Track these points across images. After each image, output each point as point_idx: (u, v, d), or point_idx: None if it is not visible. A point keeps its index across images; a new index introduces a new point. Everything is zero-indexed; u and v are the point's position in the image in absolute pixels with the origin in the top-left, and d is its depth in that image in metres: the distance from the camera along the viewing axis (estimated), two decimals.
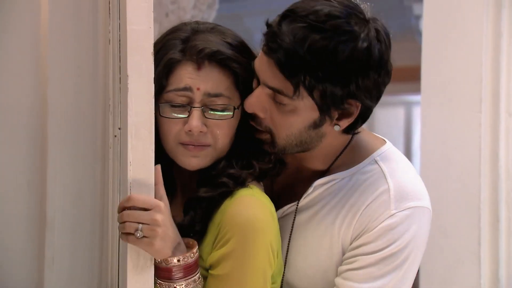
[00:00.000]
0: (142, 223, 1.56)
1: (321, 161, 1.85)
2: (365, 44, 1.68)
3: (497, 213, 2.64)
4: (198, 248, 1.69)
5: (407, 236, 1.75)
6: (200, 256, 1.69)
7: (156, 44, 1.76)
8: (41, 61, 1.77)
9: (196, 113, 1.71)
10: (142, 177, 1.59)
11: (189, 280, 1.63)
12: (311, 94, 1.69)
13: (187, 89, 1.71)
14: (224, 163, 1.75)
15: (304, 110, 1.71)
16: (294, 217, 1.83)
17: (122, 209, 1.58)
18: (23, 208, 1.78)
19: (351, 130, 1.80)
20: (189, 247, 1.66)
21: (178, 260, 1.62)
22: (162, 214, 1.58)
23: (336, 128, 1.75)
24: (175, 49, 1.73)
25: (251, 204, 1.70)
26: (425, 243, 1.81)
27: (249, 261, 1.65)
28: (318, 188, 1.83)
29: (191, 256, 1.64)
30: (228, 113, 1.73)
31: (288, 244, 1.83)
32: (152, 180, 1.60)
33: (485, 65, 2.67)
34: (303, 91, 1.69)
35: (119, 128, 1.65)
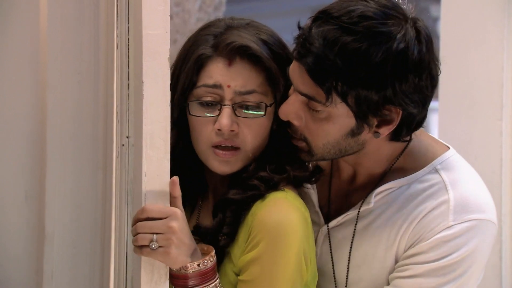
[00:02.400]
0: (157, 233, 1.57)
1: (378, 165, 1.82)
2: (401, 46, 1.65)
3: None
4: (229, 252, 1.70)
5: (465, 250, 1.73)
6: (231, 261, 1.70)
7: (188, 40, 1.78)
8: (40, 67, 1.78)
9: (226, 111, 1.71)
10: (157, 188, 1.59)
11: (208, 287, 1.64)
12: (345, 100, 1.67)
13: (217, 86, 1.72)
14: (256, 165, 1.75)
15: (340, 117, 1.70)
16: (355, 225, 1.81)
17: (136, 221, 1.59)
18: (20, 220, 1.79)
19: (397, 137, 1.76)
20: (204, 253, 1.66)
21: (198, 265, 1.62)
22: (178, 221, 1.59)
23: (376, 136, 1.73)
24: (206, 44, 1.74)
25: (283, 207, 1.70)
26: (486, 259, 1.78)
27: (278, 267, 1.65)
28: (376, 196, 1.81)
29: (210, 260, 1.64)
30: (260, 112, 1.73)
31: (350, 252, 1.82)
32: (167, 191, 1.60)
33: (506, 70, 2.66)
34: (336, 98, 1.67)
35: (127, 137, 1.66)
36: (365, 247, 1.80)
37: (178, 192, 1.62)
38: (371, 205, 1.80)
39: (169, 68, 1.60)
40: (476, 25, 2.71)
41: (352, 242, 1.82)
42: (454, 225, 1.73)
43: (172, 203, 1.61)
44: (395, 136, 1.76)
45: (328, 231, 1.84)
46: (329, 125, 1.72)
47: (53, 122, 1.76)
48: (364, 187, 1.84)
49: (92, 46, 1.76)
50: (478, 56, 2.70)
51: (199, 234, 1.72)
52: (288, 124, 1.76)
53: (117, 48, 1.69)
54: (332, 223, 1.84)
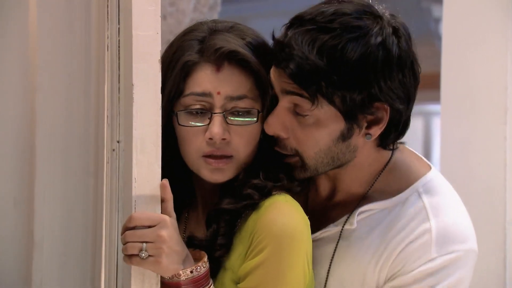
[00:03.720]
0: (146, 242, 1.56)
1: (358, 183, 1.82)
2: (379, 39, 1.67)
3: None
4: (226, 262, 1.70)
5: (449, 282, 1.73)
6: (230, 270, 1.70)
7: (171, 46, 1.77)
8: (29, 69, 1.78)
9: (217, 119, 1.70)
10: (147, 194, 1.59)
11: None
12: (331, 101, 1.68)
13: (206, 94, 1.71)
14: (247, 173, 1.74)
15: (328, 120, 1.70)
16: (337, 244, 1.81)
17: (125, 230, 1.58)
18: (8, 227, 1.78)
19: (385, 142, 1.77)
20: (196, 259, 1.66)
21: (191, 272, 1.62)
22: (168, 229, 1.58)
23: (368, 138, 1.73)
24: (191, 50, 1.73)
25: (286, 210, 1.70)
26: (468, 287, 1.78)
27: (284, 271, 1.65)
28: (358, 216, 1.80)
29: (203, 266, 1.64)
30: (251, 118, 1.72)
31: (328, 272, 1.82)
32: (158, 197, 1.60)
33: (511, 72, 2.66)
34: (322, 100, 1.68)
35: (118, 141, 1.65)
36: (343, 270, 1.80)
37: (169, 195, 1.61)
38: (354, 226, 1.80)
39: (160, 71, 1.59)
40: (479, 26, 2.72)
41: (331, 263, 1.82)
42: (437, 257, 1.74)
43: (163, 208, 1.61)
44: (383, 140, 1.77)
45: None
46: (318, 131, 1.72)
47: (42, 126, 1.76)
48: (343, 205, 1.84)
49: (83, 47, 1.75)
50: (481, 57, 2.71)
51: (193, 246, 1.71)
52: (275, 142, 1.75)
53: (107, 49, 1.68)
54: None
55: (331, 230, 1.82)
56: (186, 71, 1.72)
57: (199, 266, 1.63)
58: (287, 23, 1.74)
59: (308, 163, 1.75)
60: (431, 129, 6.79)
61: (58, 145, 1.76)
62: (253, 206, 1.71)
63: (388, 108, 1.71)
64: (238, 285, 1.69)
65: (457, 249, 1.75)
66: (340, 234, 1.81)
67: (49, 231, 1.76)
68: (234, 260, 1.70)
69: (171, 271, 1.60)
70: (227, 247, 1.72)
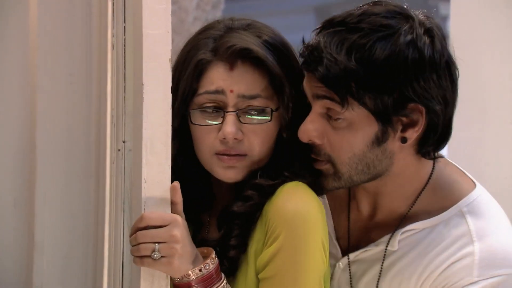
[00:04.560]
0: (159, 242, 1.56)
1: (400, 200, 1.80)
2: (408, 38, 1.65)
3: None
4: (249, 258, 1.70)
5: None
6: (253, 263, 1.69)
7: (186, 45, 1.77)
8: (30, 68, 1.78)
9: (230, 118, 1.70)
10: (157, 195, 1.58)
11: None
12: (362, 102, 1.66)
13: (219, 92, 1.70)
14: (253, 173, 1.74)
15: (361, 122, 1.69)
16: (382, 264, 1.80)
17: (135, 230, 1.57)
18: (9, 229, 1.78)
19: (425, 149, 1.74)
20: (205, 257, 1.65)
21: (200, 270, 1.61)
22: (180, 229, 1.58)
23: (403, 141, 1.70)
24: (205, 48, 1.72)
25: (298, 194, 1.69)
26: None
27: (301, 257, 1.64)
28: (400, 238, 1.79)
29: (211, 263, 1.63)
30: (265, 117, 1.72)
31: None
32: (168, 198, 1.59)
33: None
34: (352, 101, 1.67)
35: (124, 141, 1.65)
36: None
37: (179, 198, 1.61)
38: (395, 248, 1.78)
39: (171, 70, 1.58)
40: (487, 23, 2.71)
41: (378, 281, 1.80)
42: (478, 281, 1.71)
43: (173, 210, 1.60)
44: (421, 147, 1.74)
45: (349, 263, 1.83)
46: (351, 134, 1.70)
47: (43, 126, 1.76)
48: (384, 225, 1.82)
49: (84, 46, 1.75)
50: (489, 56, 2.70)
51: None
52: (311, 149, 1.74)
53: (112, 48, 1.67)
54: (351, 256, 1.83)
55: (372, 250, 1.81)
56: (200, 70, 1.72)
57: (207, 263, 1.62)
58: (317, 28, 1.73)
59: (341, 169, 1.73)
60: None
61: (59, 146, 1.76)
62: (258, 206, 1.71)
63: (424, 109, 1.68)
64: (258, 276, 1.68)
65: (501, 273, 1.72)
66: (385, 255, 1.80)
67: (50, 233, 1.76)
68: (254, 249, 1.70)
69: (182, 272, 1.60)
70: (241, 248, 1.71)
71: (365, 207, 1.85)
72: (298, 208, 1.67)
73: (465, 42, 2.77)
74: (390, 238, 1.79)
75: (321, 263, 1.67)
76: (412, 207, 1.80)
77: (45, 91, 1.76)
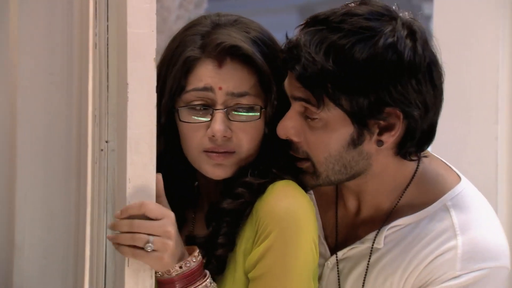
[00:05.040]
0: (153, 235, 1.56)
1: (383, 196, 1.81)
2: (389, 41, 1.65)
3: None
4: (237, 257, 1.70)
5: None
6: (241, 262, 1.70)
7: (173, 41, 1.77)
8: (10, 67, 1.77)
9: (219, 115, 1.70)
10: (142, 196, 1.58)
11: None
12: (338, 104, 1.67)
13: (208, 89, 1.70)
14: (242, 171, 1.74)
15: (336, 123, 1.69)
16: (369, 261, 1.81)
17: (128, 216, 1.57)
18: None
19: (402, 151, 1.74)
20: (190, 255, 1.66)
21: (180, 267, 1.62)
22: (174, 225, 1.59)
23: (379, 144, 1.70)
24: (193, 45, 1.73)
25: (289, 193, 1.70)
26: None
27: (291, 256, 1.65)
28: (386, 235, 1.80)
29: (193, 260, 1.63)
30: (254, 114, 1.72)
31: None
32: (153, 198, 1.59)
33: (502, 71, 2.67)
34: (328, 102, 1.67)
35: (107, 141, 1.64)
36: (371, 287, 1.80)
37: (161, 191, 1.61)
38: (381, 246, 1.79)
39: (155, 69, 1.58)
40: (470, 23, 2.72)
41: (364, 279, 1.81)
42: (461, 275, 1.72)
43: (159, 203, 1.60)
44: (400, 150, 1.74)
45: (337, 262, 1.84)
46: (327, 134, 1.70)
47: (23, 126, 1.75)
48: (371, 221, 1.83)
49: (66, 45, 1.75)
50: (472, 56, 2.71)
51: (192, 245, 1.71)
52: (289, 145, 1.74)
53: (95, 47, 1.67)
54: (339, 254, 1.83)
55: (358, 247, 1.82)
56: (188, 67, 1.72)
57: (188, 261, 1.63)
58: (301, 24, 1.73)
59: (319, 168, 1.74)
60: None
61: (40, 146, 1.76)
62: (248, 204, 1.71)
63: (401, 114, 1.68)
64: (248, 274, 1.69)
65: (483, 266, 1.73)
66: (371, 253, 1.80)
67: (30, 234, 1.75)
68: (244, 248, 1.71)
69: (167, 268, 1.61)
70: (229, 246, 1.72)
71: (351, 204, 1.86)
72: (289, 206, 1.67)
73: (448, 42, 2.78)
74: (376, 235, 1.80)
75: (311, 262, 1.68)
76: (397, 203, 1.80)
77: (25, 91, 1.76)
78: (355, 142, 1.71)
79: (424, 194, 1.80)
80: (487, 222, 1.80)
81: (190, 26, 1.78)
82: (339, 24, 1.66)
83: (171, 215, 1.59)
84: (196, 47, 1.72)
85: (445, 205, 1.78)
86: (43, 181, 1.77)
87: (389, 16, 1.70)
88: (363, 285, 1.81)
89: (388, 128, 1.70)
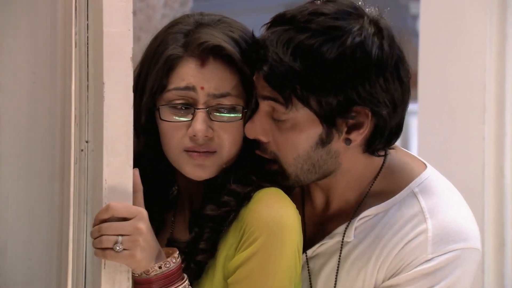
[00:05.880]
0: (122, 235, 1.56)
1: (352, 190, 1.82)
2: (357, 40, 1.66)
3: (502, 236, 2.65)
4: (217, 261, 1.70)
5: (446, 283, 1.73)
6: (220, 267, 1.70)
7: (155, 39, 1.77)
8: None
9: (200, 115, 1.70)
10: (119, 197, 1.58)
11: None
12: (307, 104, 1.67)
13: (190, 88, 1.70)
14: (225, 176, 1.74)
15: (305, 124, 1.70)
16: (340, 256, 1.81)
17: (99, 221, 1.58)
18: None
19: (371, 148, 1.76)
20: (169, 256, 1.66)
21: (159, 268, 1.62)
22: (145, 222, 1.58)
23: (348, 143, 1.72)
24: (176, 43, 1.72)
25: (276, 202, 1.70)
26: (469, 286, 1.78)
27: (275, 263, 1.65)
28: (355, 227, 1.81)
29: (173, 261, 1.63)
30: (236, 114, 1.72)
31: (335, 285, 1.82)
32: (130, 199, 1.59)
33: (489, 71, 2.68)
34: (297, 102, 1.68)
35: (87, 142, 1.64)
36: (344, 280, 1.81)
37: (139, 186, 1.61)
38: (351, 239, 1.80)
39: (132, 69, 1.58)
40: (457, 23, 2.73)
41: (337, 274, 1.81)
42: (433, 257, 1.74)
43: (134, 198, 1.60)
44: (369, 147, 1.75)
45: (307, 260, 1.84)
46: (295, 135, 1.71)
47: (5, 126, 1.74)
48: (339, 216, 1.84)
49: (48, 44, 1.74)
50: (459, 56, 2.72)
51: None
52: (257, 145, 1.75)
53: (75, 46, 1.66)
54: (309, 252, 1.84)
55: (328, 243, 1.82)
56: (170, 65, 1.72)
57: (167, 261, 1.63)
58: (267, 23, 1.74)
59: (288, 169, 1.75)
60: (408, 128, 6.81)
61: (22, 146, 1.75)
62: (232, 211, 1.72)
63: (370, 113, 1.69)
64: (228, 280, 1.68)
65: (454, 248, 1.74)
66: (342, 245, 1.81)
67: (12, 235, 1.74)
68: (225, 255, 1.71)
69: (144, 266, 1.60)
70: (210, 252, 1.72)
71: (319, 200, 1.86)
72: (277, 215, 1.67)
73: (435, 41, 2.79)
74: (346, 229, 1.80)
75: (294, 270, 1.68)
76: (366, 195, 1.81)
77: (7, 90, 1.74)
78: (324, 141, 1.72)
79: (391, 183, 1.82)
80: (455, 205, 1.82)
81: (173, 25, 1.78)
82: (306, 24, 1.67)
83: (142, 211, 1.59)
84: (179, 46, 1.72)
85: (412, 192, 1.80)
86: (26, 182, 1.76)
87: (356, 14, 1.70)
88: (335, 281, 1.81)
89: (356, 127, 1.71)
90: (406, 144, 6.86)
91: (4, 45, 1.74)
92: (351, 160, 1.77)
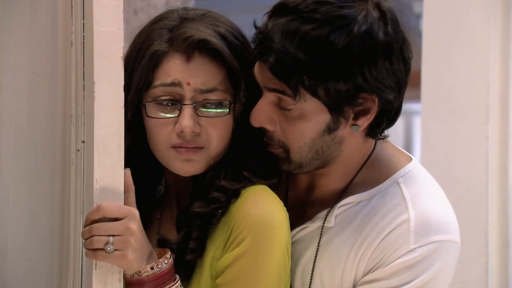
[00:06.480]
0: (113, 235, 1.56)
1: (338, 177, 1.82)
2: (363, 27, 1.65)
3: (506, 237, 2.65)
4: (204, 261, 1.69)
5: (428, 274, 1.73)
6: (208, 267, 1.69)
7: (140, 35, 1.76)
8: None
9: (187, 111, 1.69)
10: (110, 197, 1.57)
11: None
12: (314, 94, 1.67)
13: (176, 84, 1.69)
14: (214, 173, 1.74)
15: (313, 113, 1.70)
16: (319, 243, 1.81)
17: (90, 222, 1.57)
18: None
19: (375, 131, 1.77)
20: (161, 256, 1.66)
21: (151, 268, 1.61)
22: (137, 222, 1.58)
23: (355, 129, 1.73)
24: (161, 39, 1.72)
25: (265, 201, 1.70)
26: (449, 282, 1.78)
27: (264, 263, 1.65)
28: (337, 214, 1.80)
29: (165, 262, 1.63)
30: (223, 109, 1.71)
31: (312, 272, 1.81)
32: (121, 199, 1.59)
33: (493, 71, 2.68)
34: (304, 93, 1.67)
35: (83, 142, 1.64)
36: (323, 268, 1.80)
37: (130, 186, 1.61)
38: (331, 224, 1.80)
39: (123, 68, 1.58)
40: (461, 22, 2.73)
41: (314, 263, 1.81)
42: (415, 248, 1.73)
43: (126, 198, 1.60)
44: (373, 130, 1.76)
45: None
46: (303, 124, 1.71)
47: (5, 126, 1.74)
48: (322, 201, 1.83)
49: (49, 43, 1.74)
50: (463, 55, 2.72)
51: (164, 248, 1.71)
52: (263, 132, 1.75)
53: (72, 45, 1.67)
54: None
55: (309, 228, 1.82)
56: (155, 61, 1.71)
57: (160, 262, 1.62)
58: (269, 11, 1.73)
59: (293, 156, 1.75)
60: (412, 128, 6.81)
61: (22, 146, 1.75)
62: (220, 208, 1.71)
63: (376, 98, 1.70)
64: (216, 280, 1.68)
65: (436, 239, 1.74)
66: (321, 233, 1.80)
67: (13, 236, 1.74)
68: (212, 254, 1.70)
69: (135, 267, 1.60)
70: (199, 251, 1.71)
71: (303, 183, 1.86)
72: (265, 214, 1.67)
73: (438, 40, 2.78)
74: (327, 214, 1.80)
75: (283, 270, 1.68)
76: (350, 182, 1.82)
77: (7, 90, 1.75)
78: (331, 128, 1.72)
79: (376, 173, 1.82)
80: (437, 196, 1.82)
81: (157, 20, 1.77)
82: (310, 14, 1.66)
83: (133, 211, 1.58)
84: (164, 41, 1.72)
85: (396, 182, 1.80)
86: (26, 182, 1.76)
87: (360, 0, 1.69)
88: (313, 269, 1.81)
89: (363, 113, 1.72)
90: (409, 144, 6.85)
91: (4, 45, 1.74)
92: (352, 145, 1.77)
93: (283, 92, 1.69)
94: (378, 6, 1.70)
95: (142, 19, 4.27)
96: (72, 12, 1.66)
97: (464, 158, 2.69)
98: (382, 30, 1.68)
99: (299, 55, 1.65)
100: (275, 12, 1.71)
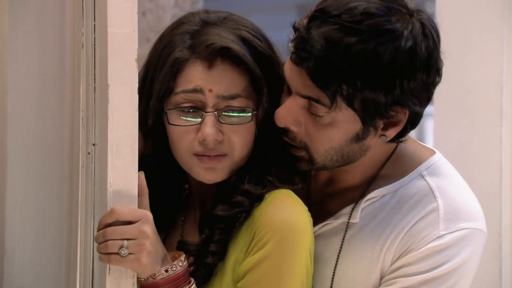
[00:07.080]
0: (127, 239, 1.56)
1: (361, 173, 1.84)
2: (409, 44, 1.66)
3: None
4: (226, 264, 1.70)
5: (457, 261, 1.74)
6: (230, 270, 1.70)
7: (160, 40, 1.76)
8: (1, 69, 1.77)
9: (209, 118, 1.69)
10: (124, 200, 1.58)
11: None
12: (351, 104, 1.68)
13: (198, 91, 1.69)
14: (238, 177, 1.74)
15: (344, 122, 1.71)
16: (343, 239, 1.81)
17: (103, 225, 1.57)
18: None
19: (398, 138, 1.79)
20: (175, 259, 1.66)
21: (166, 271, 1.62)
22: (151, 225, 1.58)
23: (383, 139, 1.75)
24: (182, 45, 1.71)
25: (290, 204, 1.70)
26: (475, 271, 1.79)
27: (287, 266, 1.65)
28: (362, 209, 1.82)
29: (179, 265, 1.63)
30: (246, 116, 1.71)
31: (335, 268, 1.81)
32: (135, 203, 1.59)
33: (506, 72, 2.67)
34: (341, 102, 1.68)
35: (94, 144, 1.64)
36: (347, 264, 1.80)
37: (144, 189, 1.61)
38: (357, 220, 1.80)
39: (137, 71, 1.58)
40: (474, 23, 2.72)
41: (337, 259, 1.81)
42: (445, 234, 1.75)
43: (140, 202, 1.60)
44: (397, 138, 1.78)
45: None
46: (332, 131, 1.72)
47: (14, 129, 1.75)
48: (343, 196, 1.85)
49: (57, 45, 1.74)
50: (476, 57, 2.71)
51: (184, 250, 1.71)
52: (285, 132, 1.74)
53: (82, 47, 1.67)
54: None
55: (332, 224, 1.82)
56: (177, 68, 1.71)
57: (174, 265, 1.63)
58: (310, 14, 1.72)
59: (317, 158, 1.75)
60: (424, 131, 6.80)
61: (31, 149, 1.75)
62: (243, 212, 1.71)
63: (407, 111, 1.72)
64: (238, 284, 1.68)
65: (465, 226, 1.76)
66: (346, 228, 1.81)
67: (21, 240, 1.75)
68: (235, 258, 1.70)
69: (150, 270, 1.60)
70: (220, 255, 1.72)
71: (323, 176, 1.88)
72: (289, 218, 1.67)
73: (450, 42, 2.77)
74: (352, 210, 1.81)
75: (306, 274, 1.68)
76: (374, 179, 1.83)
77: (16, 92, 1.75)
78: (359, 137, 1.74)
79: (400, 167, 1.84)
80: (463, 186, 1.84)
81: (178, 24, 1.76)
82: (356, 25, 1.66)
83: (147, 215, 1.58)
84: (185, 48, 1.71)
85: (420, 174, 1.82)
86: (34, 185, 1.76)
87: (403, 12, 1.70)
88: (336, 264, 1.81)
89: (393, 124, 1.73)
90: None
91: (13, 47, 1.74)
92: (375, 150, 1.79)
93: (317, 101, 1.69)
94: (420, 19, 1.71)
95: (151, 21, 4.29)
96: (82, 13, 1.66)
97: (477, 161, 2.68)
98: (425, 44, 1.69)
99: (341, 64, 1.65)
100: (316, 17, 1.70)
